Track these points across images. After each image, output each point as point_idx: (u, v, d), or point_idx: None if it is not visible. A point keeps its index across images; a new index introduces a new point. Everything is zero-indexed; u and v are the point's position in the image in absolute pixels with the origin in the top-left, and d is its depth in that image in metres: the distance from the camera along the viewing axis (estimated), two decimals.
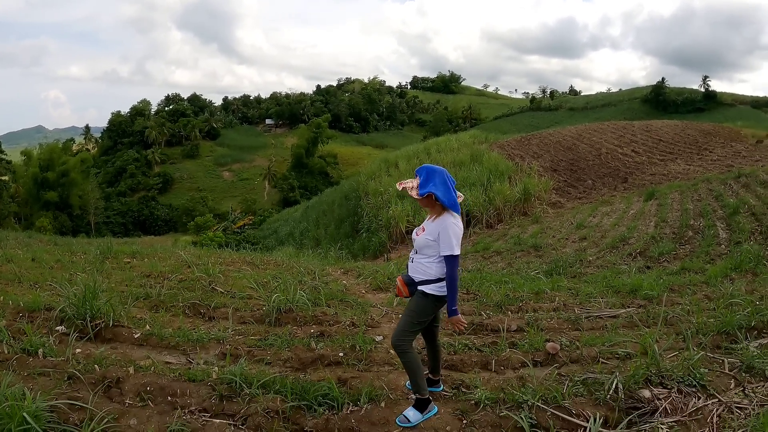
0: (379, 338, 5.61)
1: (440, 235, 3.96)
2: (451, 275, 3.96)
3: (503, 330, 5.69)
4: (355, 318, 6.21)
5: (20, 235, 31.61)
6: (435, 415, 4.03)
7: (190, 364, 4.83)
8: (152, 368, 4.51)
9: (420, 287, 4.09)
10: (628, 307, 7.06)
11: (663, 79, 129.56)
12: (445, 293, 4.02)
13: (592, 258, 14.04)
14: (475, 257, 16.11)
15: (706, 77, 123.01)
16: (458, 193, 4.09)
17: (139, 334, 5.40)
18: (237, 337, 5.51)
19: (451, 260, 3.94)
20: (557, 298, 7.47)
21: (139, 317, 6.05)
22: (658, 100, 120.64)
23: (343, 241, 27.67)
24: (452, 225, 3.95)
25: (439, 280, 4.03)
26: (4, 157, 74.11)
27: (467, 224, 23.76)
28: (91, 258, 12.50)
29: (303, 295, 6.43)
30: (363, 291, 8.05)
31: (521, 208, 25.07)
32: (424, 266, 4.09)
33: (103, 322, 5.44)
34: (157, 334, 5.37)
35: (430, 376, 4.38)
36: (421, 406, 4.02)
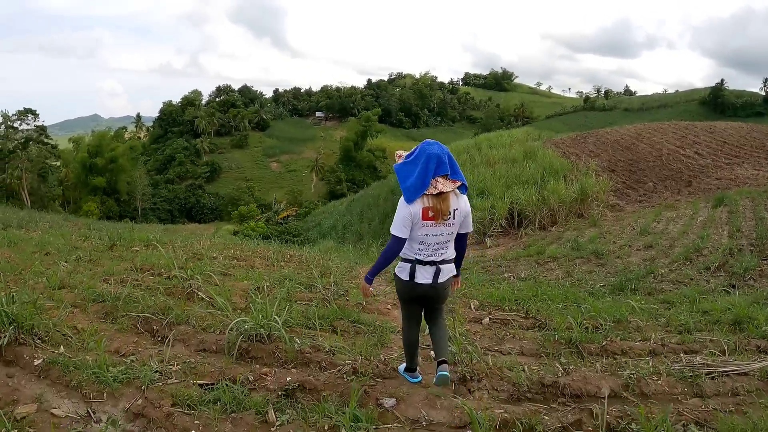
0: (389, 403, 3.70)
1: None
2: (384, 251, 3.93)
3: (603, 401, 3.65)
4: (360, 358, 4.34)
5: (58, 217, 31.24)
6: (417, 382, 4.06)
7: (86, 422, 3.13)
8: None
9: None
10: (745, 349, 5.04)
11: (722, 80, 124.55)
12: (401, 275, 3.94)
13: (664, 271, 11.93)
14: (528, 262, 14.02)
15: (766, 80, 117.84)
16: (438, 178, 3.76)
17: (40, 361, 3.74)
18: (168, 382, 3.67)
19: (391, 238, 3.88)
20: (650, 334, 5.40)
21: (80, 327, 4.55)
22: (716, 102, 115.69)
23: (386, 237, 26.13)
24: (398, 208, 3.84)
25: (400, 259, 3.99)
26: (49, 141, 74.44)
27: (518, 225, 21.94)
28: (99, 244, 11.43)
29: (277, 323, 4.44)
30: (389, 306, 6.20)
31: (577, 209, 23.01)
32: None
33: (5, 336, 3.86)
34: (61, 363, 3.70)
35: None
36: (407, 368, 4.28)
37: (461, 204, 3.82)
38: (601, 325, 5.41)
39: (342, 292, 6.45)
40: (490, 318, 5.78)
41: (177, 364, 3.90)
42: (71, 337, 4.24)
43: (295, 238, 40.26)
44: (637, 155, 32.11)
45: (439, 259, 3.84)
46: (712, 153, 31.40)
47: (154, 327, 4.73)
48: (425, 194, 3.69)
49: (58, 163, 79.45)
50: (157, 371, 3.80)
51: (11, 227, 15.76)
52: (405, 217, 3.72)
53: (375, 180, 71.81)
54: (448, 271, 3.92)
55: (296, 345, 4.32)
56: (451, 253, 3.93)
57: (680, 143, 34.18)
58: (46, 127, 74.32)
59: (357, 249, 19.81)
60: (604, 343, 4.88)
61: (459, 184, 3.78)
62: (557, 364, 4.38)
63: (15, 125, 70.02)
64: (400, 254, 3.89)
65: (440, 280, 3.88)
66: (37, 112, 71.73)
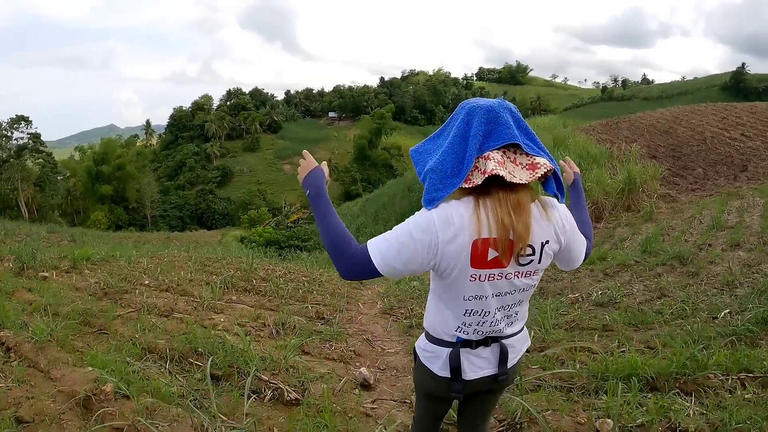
0: None
1: None
2: (332, 247, 1.73)
3: None
4: None
5: (43, 229, 28.87)
6: None
7: None
8: None
9: None
10: None
11: (743, 64, 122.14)
12: (433, 368, 1.85)
13: None
14: (592, 273, 10.53)
15: None
16: (492, 153, 1.65)
17: None
18: None
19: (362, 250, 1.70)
20: None
21: None
22: (738, 87, 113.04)
23: None
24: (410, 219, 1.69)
25: (426, 334, 1.91)
26: (44, 150, 72.04)
27: None
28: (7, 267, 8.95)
29: None
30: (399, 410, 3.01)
31: (624, 201, 19.75)
32: None
33: None
34: None
35: None
36: None
37: (553, 225, 1.69)
38: None
39: (314, 378, 3.29)
40: None
41: None
42: None
43: (304, 243, 37.77)
44: (678, 139, 28.93)
45: (507, 333, 1.79)
46: (759, 134, 28.26)
47: None
48: (478, 197, 1.56)
49: (68, 173, 78.18)
50: None
51: None
52: (409, 242, 1.58)
53: (391, 178, 69.29)
54: (521, 342, 1.90)
55: None
56: (524, 315, 1.88)
57: (722, 125, 31.09)
58: (39, 134, 71.91)
59: None
60: None
61: (544, 168, 1.71)
62: None
63: (8, 134, 67.80)
64: (426, 328, 1.87)
65: (510, 365, 1.83)
66: (30, 119, 69.54)
